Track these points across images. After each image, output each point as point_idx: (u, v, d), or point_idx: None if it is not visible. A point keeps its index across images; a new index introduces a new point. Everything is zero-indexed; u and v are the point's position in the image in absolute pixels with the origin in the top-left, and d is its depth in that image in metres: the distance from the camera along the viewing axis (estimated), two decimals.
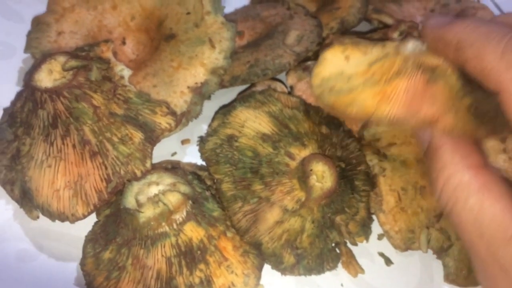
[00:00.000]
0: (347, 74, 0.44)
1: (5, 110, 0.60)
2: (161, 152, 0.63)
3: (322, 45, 0.68)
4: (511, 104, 0.36)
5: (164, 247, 0.49)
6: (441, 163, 0.41)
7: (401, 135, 0.60)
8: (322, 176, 0.51)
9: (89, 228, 0.55)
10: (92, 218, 0.55)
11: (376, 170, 0.58)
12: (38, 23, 0.66)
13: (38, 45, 0.64)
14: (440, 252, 0.56)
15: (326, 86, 0.44)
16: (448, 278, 0.56)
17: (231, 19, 0.72)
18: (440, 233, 0.56)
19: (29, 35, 0.65)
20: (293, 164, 0.54)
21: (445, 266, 0.56)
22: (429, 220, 0.56)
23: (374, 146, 0.60)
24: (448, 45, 0.40)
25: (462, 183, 0.39)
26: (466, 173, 0.39)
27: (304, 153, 0.55)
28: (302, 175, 0.52)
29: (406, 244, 0.56)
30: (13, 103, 0.59)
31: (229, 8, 0.78)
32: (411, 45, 0.43)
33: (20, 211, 0.56)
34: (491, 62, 0.36)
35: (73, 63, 0.52)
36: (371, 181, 0.58)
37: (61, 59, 0.53)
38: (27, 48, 0.64)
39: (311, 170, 0.51)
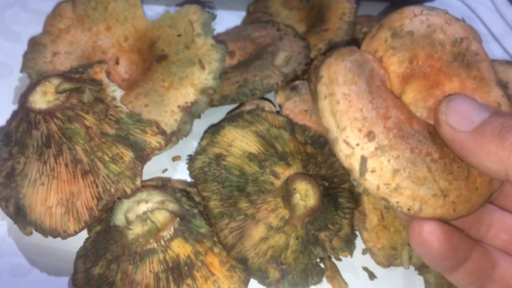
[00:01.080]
0: None
1: (0, 129, 0.62)
2: (152, 168, 0.65)
3: (310, 65, 0.70)
4: None
5: (152, 263, 0.51)
6: None
7: None
8: (306, 195, 0.53)
9: (80, 244, 0.56)
10: (84, 234, 0.56)
11: (360, 189, 0.59)
12: (34, 44, 0.68)
13: (34, 65, 0.66)
14: (422, 269, 0.58)
15: None
16: None
17: (222, 39, 0.74)
18: None
19: (26, 55, 0.67)
20: (278, 183, 0.56)
21: (426, 282, 0.58)
22: None
23: None
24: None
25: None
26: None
27: (289, 172, 0.56)
28: (286, 193, 0.53)
29: (389, 261, 0.58)
30: (9, 122, 0.61)
31: (221, 28, 0.80)
32: None
33: (14, 227, 0.57)
34: None
35: (66, 86, 0.54)
36: (355, 198, 0.60)
37: (55, 81, 0.55)
38: (24, 68, 0.66)
39: (294, 189, 0.53)
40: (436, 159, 0.45)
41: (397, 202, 0.45)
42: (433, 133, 0.47)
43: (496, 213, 0.51)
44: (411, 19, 0.51)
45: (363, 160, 0.45)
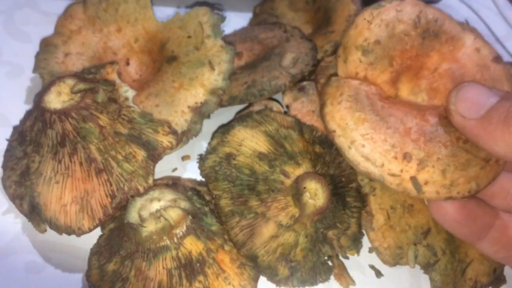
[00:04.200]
0: None
1: (14, 128, 0.63)
2: (163, 167, 0.66)
3: (317, 66, 0.71)
4: None
5: (165, 259, 0.52)
6: None
7: None
8: (315, 194, 0.54)
9: (94, 241, 0.57)
10: (97, 232, 0.57)
11: (367, 190, 0.60)
12: (46, 45, 0.69)
13: (46, 65, 0.67)
14: (427, 267, 0.59)
15: None
16: None
17: (230, 40, 0.75)
18: (427, 249, 0.58)
19: (38, 56, 0.68)
20: (288, 182, 0.57)
21: (431, 280, 0.59)
22: (417, 237, 0.58)
23: None
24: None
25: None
26: None
27: (298, 171, 0.57)
28: (296, 192, 0.54)
29: (395, 260, 0.58)
30: (23, 122, 0.62)
31: (228, 30, 0.81)
32: None
33: (29, 224, 0.58)
34: None
35: (81, 86, 0.55)
36: (362, 198, 0.61)
37: (70, 82, 0.56)
38: (36, 69, 0.67)
39: (304, 188, 0.54)
40: (465, 139, 0.48)
41: (458, 193, 0.48)
42: (444, 115, 0.50)
43: None
44: (369, 29, 0.54)
45: (413, 180, 0.48)
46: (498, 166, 0.49)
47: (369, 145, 0.50)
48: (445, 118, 0.50)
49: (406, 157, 0.48)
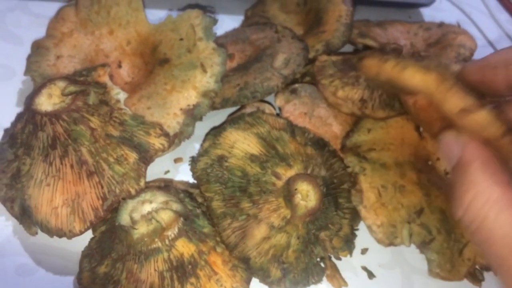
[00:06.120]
0: None
1: (5, 130, 0.63)
2: (155, 170, 0.66)
3: (312, 67, 0.71)
4: None
5: (156, 262, 0.52)
6: (471, 178, 0.42)
7: (380, 142, 0.63)
8: (307, 195, 0.54)
9: (86, 243, 0.57)
10: (89, 234, 0.57)
11: (357, 169, 0.60)
12: (37, 47, 0.69)
13: (38, 68, 0.67)
14: (423, 246, 0.58)
15: None
16: (432, 271, 0.58)
17: (221, 42, 0.75)
18: (421, 228, 0.58)
19: (29, 58, 0.68)
20: (279, 183, 0.57)
21: (428, 260, 0.58)
22: (410, 216, 0.58)
23: (355, 151, 0.63)
24: (496, 67, 0.45)
25: (491, 199, 0.40)
26: (495, 190, 0.40)
27: (290, 173, 0.58)
28: (288, 194, 0.55)
29: (389, 239, 0.58)
30: (14, 124, 0.62)
31: (219, 31, 0.81)
32: None
33: (20, 227, 0.58)
34: None
35: (72, 88, 0.55)
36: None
37: (61, 84, 0.56)
38: (27, 71, 0.67)
39: (296, 189, 0.54)
40: None
41: None
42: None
43: None
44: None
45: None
46: None
47: None
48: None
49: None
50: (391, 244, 0.58)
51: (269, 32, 0.76)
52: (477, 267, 0.59)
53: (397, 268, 0.62)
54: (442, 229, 0.58)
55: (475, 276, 0.59)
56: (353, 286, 0.60)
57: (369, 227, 0.59)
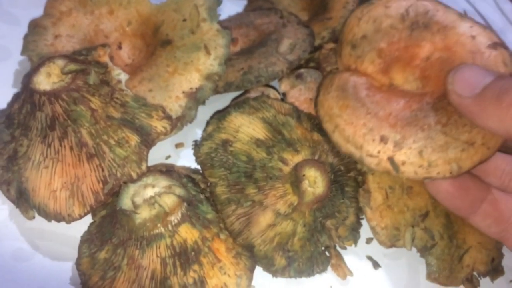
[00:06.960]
0: None
1: (1, 111, 0.61)
2: (156, 155, 0.64)
3: (318, 53, 0.70)
4: None
5: (159, 247, 0.50)
6: None
7: None
8: (315, 182, 0.53)
9: (85, 228, 0.56)
10: (88, 219, 0.56)
11: (366, 168, 0.59)
12: (35, 26, 0.66)
13: (35, 48, 0.65)
14: (424, 251, 0.58)
15: None
16: (430, 276, 0.58)
17: (225, 26, 0.73)
18: (425, 232, 0.57)
19: (26, 38, 0.66)
20: (286, 169, 0.55)
21: (427, 264, 0.58)
22: (414, 219, 0.58)
23: None
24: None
25: None
26: None
27: (297, 158, 0.56)
28: (295, 180, 0.53)
29: (391, 241, 0.57)
30: (10, 104, 0.60)
31: (223, 15, 0.79)
32: None
33: (16, 211, 0.56)
34: None
35: (72, 67, 0.53)
36: (360, 187, 0.59)
37: (60, 62, 0.54)
38: (24, 51, 0.65)
39: (303, 175, 0.53)
40: (446, 122, 0.50)
41: (438, 173, 0.50)
42: (433, 102, 0.52)
43: None
44: (358, 25, 0.59)
45: (391, 160, 0.51)
46: (486, 149, 0.50)
47: (350, 129, 0.54)
48: (428, 104, 0.52)
49: (383, 139, 0.52)
50: (392, 246, 0.58)
51: (274, 17, 0.75)
52: (474, 273, 0.59)
53: (403, 259, 0.61)
54: (445, 234, 0.58)
55: (472, 282, 0.59)
56: (358, 276, 0.59)
57: (372, 229, 0.58)
